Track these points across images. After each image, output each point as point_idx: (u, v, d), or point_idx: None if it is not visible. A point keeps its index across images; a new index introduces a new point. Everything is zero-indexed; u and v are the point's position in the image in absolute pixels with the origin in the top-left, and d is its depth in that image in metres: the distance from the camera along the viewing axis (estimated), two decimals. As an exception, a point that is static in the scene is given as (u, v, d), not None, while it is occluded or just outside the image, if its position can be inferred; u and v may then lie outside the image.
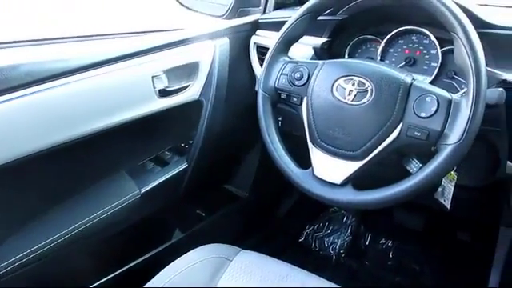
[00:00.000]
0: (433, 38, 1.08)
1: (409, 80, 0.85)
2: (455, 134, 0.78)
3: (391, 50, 1.16)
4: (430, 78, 1.09)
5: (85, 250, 1.10)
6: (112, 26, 1.52)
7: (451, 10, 0.80)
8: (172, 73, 1.12)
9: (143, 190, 1.16)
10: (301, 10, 0.96)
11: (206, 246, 1.01)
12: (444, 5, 0.81)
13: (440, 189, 1.00)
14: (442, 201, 1.01)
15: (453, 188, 0.99)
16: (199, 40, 1.18)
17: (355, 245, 1.81)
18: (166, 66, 1.11)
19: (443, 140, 0.80)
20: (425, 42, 1.11)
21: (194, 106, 1.21)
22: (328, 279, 0.93)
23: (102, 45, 1.14)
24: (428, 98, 0.82)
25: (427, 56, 1.11)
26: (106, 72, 0.98)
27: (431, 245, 1.69)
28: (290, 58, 1.02)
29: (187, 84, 1.18)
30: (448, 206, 1.00)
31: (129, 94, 1.04)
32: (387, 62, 1.16)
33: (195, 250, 1.00)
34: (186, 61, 1.15)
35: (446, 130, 0.79)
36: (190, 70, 1.17)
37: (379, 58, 1.15)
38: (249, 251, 1.01)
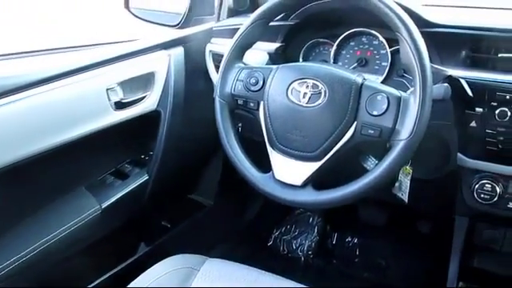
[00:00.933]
0: (381, 39, 1.11)
1: (360, 80, 0.87)
2: (406, 130, 0.81)
3: (343, 52, 1.19)
4: (381, 78, 1.13)
5: (45, 272, 1.06)
6: (64, 39, 1.49)
7: (394, 11, 0.84)
8: (127, 84, 1.11)
9: (104, 205, 1.14)
10: (252, 16, 0.98)
11: (172, 257, 1.00)
12: (387, 6, 0.84)
13: (397, 183, 1.02)
14: (400, 195, 1.04)
15: (409, 182, 1.02)
16: (153, 50, 1.18)
17: (323, 245, 1.84)
18: (120, 78, 1.09)
19: (395, 136, 0.82)
20: (374, 42, 1.15)
21: (152, 117, 1.20)
22: (298, 281, 0.94)
23: (53, 59, 1.11)
24: (379, 97, 0.85)
25: (378, 56, 1.15)
26: (59, 86, 0.96)
27: (395, 239, 1.74)
28: (244, 64, 1.02)
29: (144, 95, 1.17)
30: (406, 200, 1.03)
31: (84, 107, 1.02)
32: (340, 63, 1.19)
33: (161, 262, 0.98)
34: (141, 72, 1.14)
35: (397, 126, 0.82)
36: (145, 80, 1.16)
37: (332, 60, 1.18)
38: (216, 259, 1.00)
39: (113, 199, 1.16)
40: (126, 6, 1.41)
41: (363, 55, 1.16)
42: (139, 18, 1.41)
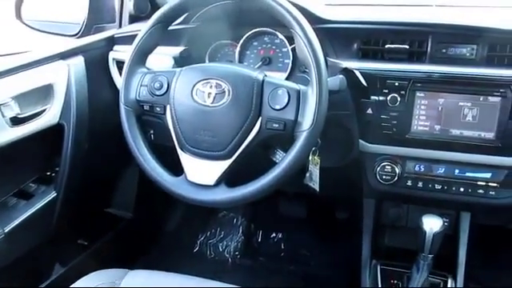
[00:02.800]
0: (281, 37, 1.16)
1: (261, 77, 0.90)
2: (307, 121, 0.85)
3: (248, 52, 1.22)
4: (285, 74, 1.17)
5: None
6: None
7: (287, 10, 0.88)
8: (23, 98, 1.04)
9: (7, 229, 1.05)
10: (150, 20, 0.97)
11: (91, 274, 0.96)
12: (280, 5, 0.88)
13: (308, 174, 1.07)
14: (312, 184, 1.08)
15: (318, 171, 1.07)
16: (50, 61, 1.12)
17: (248, 244, 1.86)
18: (14, 92, 1.02)
19: (298, 128, 0.86)
20: (276, 41, 1.19)
21: (55, 131, 1.13)
22: (226, 282, 0.95)
23: None
24: (280, 91, 0.88)
25: (280, 54, 1.20)
26: None
27: (316, 228, 1.81)
28: (148, 69, 1.01)
29: (43, 108, 1.10)
30: (317, 189, 1.08)
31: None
32: (245, 63, 1.22)
33: (79, 281, 0.94)
34: (38, 84, 1.08)
35: (298, 118, 0.86)
36: (43, 93, 1.10)
37: (237, 60, 1.21)
38: (137, 270, 0.98)
39: (17, 222, 1.08)
40: (18, 16, 1.33)
41: (267, 54, 1.20)
42: (34, 28, 1.34)
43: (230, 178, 0.93)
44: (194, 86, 0.92)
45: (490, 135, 0.98)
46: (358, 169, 1.14)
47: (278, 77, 1.04)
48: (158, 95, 0.96)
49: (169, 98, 0.94)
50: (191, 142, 0.93)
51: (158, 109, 0.97)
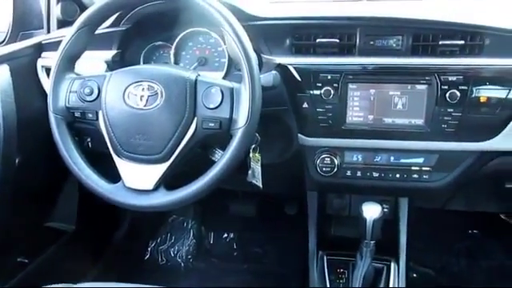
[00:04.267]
0: (215, 36, 1.15)
1: (193, 76, 0.89)
2: (242, 118, 0.86)
3: (183, 53, 1.20)
4: (222, 73, 1.17)
5: None
6: None
7: (215, 8, 0.87)
8: None
9: None
10: (75, 24, 0.94)
11: None
12: (208, 4, 0.87)
13: (250, 171, 1.07)
14: (255, 181, 1.09)
15: (260, 168, 1.07)
16: (-31, 71, 1.05)
17: (200, 247, 1.85)
18: None
19: (234, 125, 0.87)
20: (211, 41, 1.19)
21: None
22: (180, 286, 0.93)
23: None
24: (213, 90, 0.88)
25: (216, 54, 1.19)
26: None
27: (267, 226, 1.82)
28: (77, 74, 0.98)
29: (-35, 122, 1.04)
30: (260, 186, 1.08)
31: None
32: (182, 64, 1.20)
33: None
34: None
35: (233, 115, 0.87)
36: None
37: (173, 61, 1.19)
38: (85, 283, 0.94)
39: None
40: None
41: (202, 54, 1.19)
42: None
43: (169, 181, 0.92)
44: (125, 89, 0.90)
45: (420, 121, 1.03)
46: (300, 163, 1.15)
47: (215, 76, 1.04)
48: (88, 101, 0.93)
49: (100, 103, 0.92)
50: (126, 147, 0.90)
51: (89, 115, 0.94)
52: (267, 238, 1.79)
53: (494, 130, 1.01)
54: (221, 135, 0.89)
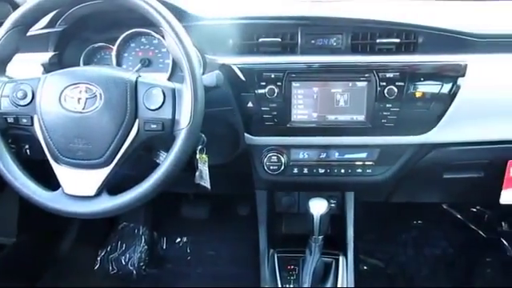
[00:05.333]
0: (158, 37, 1.13)
1: (134, 77, 0.87)
2: (184, 119, 0.85)
3: (126, 55, 1.17)
4: (167, 75, 1.15)
5: None
6: None
7: (155, 8, 0.86)
8: None
9: None
10: (5, 25, 0.89)
11: None
12: (147, 3, 0.86)
13: (197, 173, 1.06)
14: (203, 183, 1.08)
15: (207, 169, 1.07)
16: None
17: (153, 253, 1.81)
18: None
19: (177, 126, 0.85)
20: (154, 42, 1.16)
21: None
22: None
23: None
24: (154, 91, 0.86)
25: (160, 55, 1.17)
26: None
27: (220, 228, 1.81)
28: (9, 78, 0.93)
29: None
30: (209, 187, 1.07)
31: None
32: (124, 66, 1.17)
33: None
34: None
35: (176, 116, 0.85)
36: None
37: (115, 63, 1.16)
38: None
39: None
40: None
41: (146, 55, 1.17)
42: None
43: (113, 186, 0.89)
44: (61, 92, 0.87)
45: (361, 117, 1.06)
46: (248, 162, 1.16)
47: (159, 78, 1.02)
48: (22, 105, 0.89)
49: (35, 107, 0.88)
50: (65, 153, 0.87)
51: (24, 120, 0.90)
52: (221, 239, 1.79)
53: (430, 124, 1.06)
54: (164, 137, 0.88)
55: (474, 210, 1.84)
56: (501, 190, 1.15)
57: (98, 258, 1.76)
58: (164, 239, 1.85)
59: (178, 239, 1.85)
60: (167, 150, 0.92)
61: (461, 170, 1.18)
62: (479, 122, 1.08)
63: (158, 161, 0.94)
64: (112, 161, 0.86)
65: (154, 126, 0.86)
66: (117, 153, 0.86)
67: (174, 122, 0.85)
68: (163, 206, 1.79)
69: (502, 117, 1.08)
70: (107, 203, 0.86)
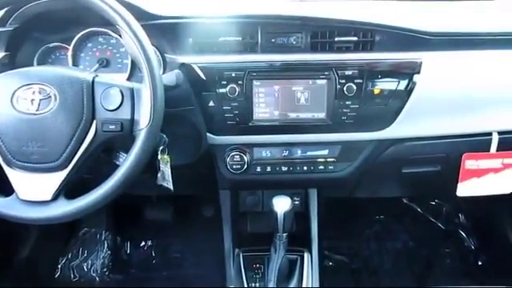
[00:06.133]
0: (115, 36, 1.11)
1: (90, 77, 0.85)
2: (144, 118, 0.84)
3: (82, 55, 1.14)
4: (126, 75, 1.13)
5: None
6: None
7: (111, 6, 0.84)
8: None
9: None
10: None
11: None
12: (103, 1, 0.84)
13: (159, 174, 1.05)
14: (165, 184, 1.06)
15: (169, 170, 1.05)
16: None
17: (117, 258, 1.77)
18: None
19: (136, 126, 0.84)
20: (112, 41, 1.14)
21: None
22: None
23: None
24: (112, 91, 0.84)
25: (118, 55, 1.14)
26: None
27: (185, 229, 1.79)
28: None
29: None
30: (171, 188, 1.06)
31: None
32: (81, 66, 1.14)
33: None
34: None
35: (135, 116, 0.84)
36: None
37: (71, 64, 1.12)
38: None
39: None
40: None
41: (103, 55, 1.14)
42: None
43: (71, 190, 0.87)
44: (13, 93, 0.84)
45: (322, 115, 1.07)
46: (211, 162, 1.15)
47: (117, 78, 0.99)
48: None
49: None
50: (18, 156, 0.84)
51: None
52: (186, 242, 1.77)
53: (388, 120, 1.09)
54: (123, 137, 0.86)
55: (433, 203, 1.91)
56: (457, 182, 1.19)
57: (59, 266, 1.70)
58: (128, 243, 1.81)
59: (143, 243, 1.82)
60: (127, 151, 0.90)
61: (419, 165, 1.22)
62: (435, 117, 1.12)
63: (117, 162, 0.92)
64: (69, 164, 0.84)
65: (113, 126, 0.84)
66: (74, 155, 0.84)
67: (133, 122, 0.84)
68: (126, 210, 1.76)
69: (456, 111, 1.12)
70: (65, 207, 0.84)
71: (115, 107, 0.84)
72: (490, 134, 1.15)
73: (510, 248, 1.69)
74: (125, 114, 0.84)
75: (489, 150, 1.16)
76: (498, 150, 1.16)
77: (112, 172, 0.86)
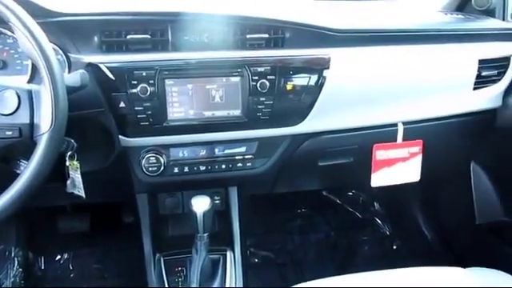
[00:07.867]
0: (13, 36, 1.02)
1: None
2: (45, 122, 0.78)
3: None
4: (27, 77, 1.04)
5: None
6: None
7: (1, 2, 0.77)
8: None
9: None
10: None
11: None
12: None
13: (69, 181, 0.98)
14: (76, 192, 1.00)
15: (80, 176, 0.99)
16: None
17: (30, 275, 1.64)
18: None
19: (37, 131, 0.78)
20: (9, 41, 1.05)
21: None
22: None
23: None
24: (6, 94, 0.78)
25: (17, 55, 1.06)
26: None
27: (104, 239, 1.71)
28: None
29: None
30: (83, 195, 1.00)
31: None
32: (-27, 69, 1.04)
33: None
34: None
35: (35, 120, 0.79)
36: None
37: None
38: None
39: None
40: None
41: (0, 57, 1.05)
42: None
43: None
44: None
45: (237, 112, 1.07)
46: (125, 165, 1.10)
47: (15, 80, 0.91)
48: None
49: None
50: None
51: None
52: (106, 251, 1.69)
53: (302, 115, 1.12)
54: (23, 144, 0.80)
55: (351, 193, 2.00)
56: (371, 173, 1.25)
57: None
58: (41, 259, 1.69)
59: (58, 256, 1.71)
60: (28, 158, 0.84)
61: (333, 157, 1.26)
62: (345, 110, 1.16)
63: (18, 171, 0.84)
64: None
65: (10, 132, 0.77)
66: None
67: (33, 126, 0.78)
68: (37, 222, 1.64)
69: (365, 104, 1.18)
70: None
71: (11, 111, 0.77)
72: (395, 124, 1.22)
73: (420, 232, 1.82)
74: (23, 118, 0.78)
75: (396, 140, 1.23)
76: (404, 140, 1.23)
77: (11, 182, 0.79)
